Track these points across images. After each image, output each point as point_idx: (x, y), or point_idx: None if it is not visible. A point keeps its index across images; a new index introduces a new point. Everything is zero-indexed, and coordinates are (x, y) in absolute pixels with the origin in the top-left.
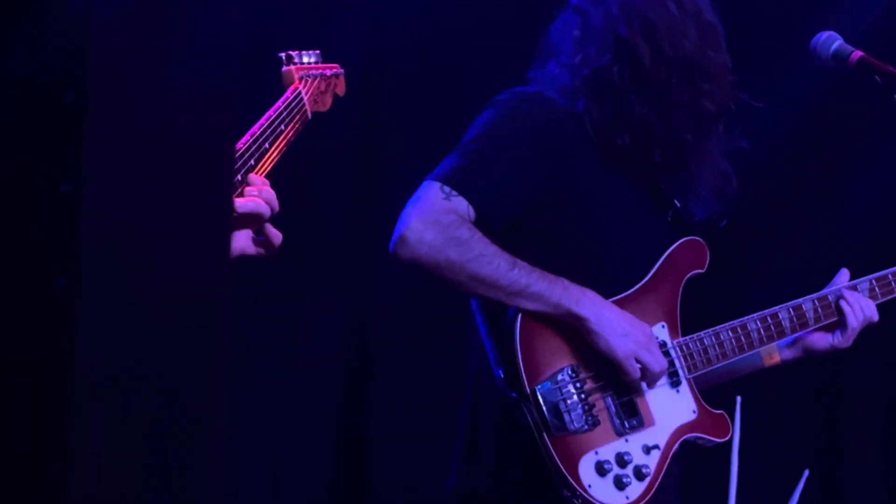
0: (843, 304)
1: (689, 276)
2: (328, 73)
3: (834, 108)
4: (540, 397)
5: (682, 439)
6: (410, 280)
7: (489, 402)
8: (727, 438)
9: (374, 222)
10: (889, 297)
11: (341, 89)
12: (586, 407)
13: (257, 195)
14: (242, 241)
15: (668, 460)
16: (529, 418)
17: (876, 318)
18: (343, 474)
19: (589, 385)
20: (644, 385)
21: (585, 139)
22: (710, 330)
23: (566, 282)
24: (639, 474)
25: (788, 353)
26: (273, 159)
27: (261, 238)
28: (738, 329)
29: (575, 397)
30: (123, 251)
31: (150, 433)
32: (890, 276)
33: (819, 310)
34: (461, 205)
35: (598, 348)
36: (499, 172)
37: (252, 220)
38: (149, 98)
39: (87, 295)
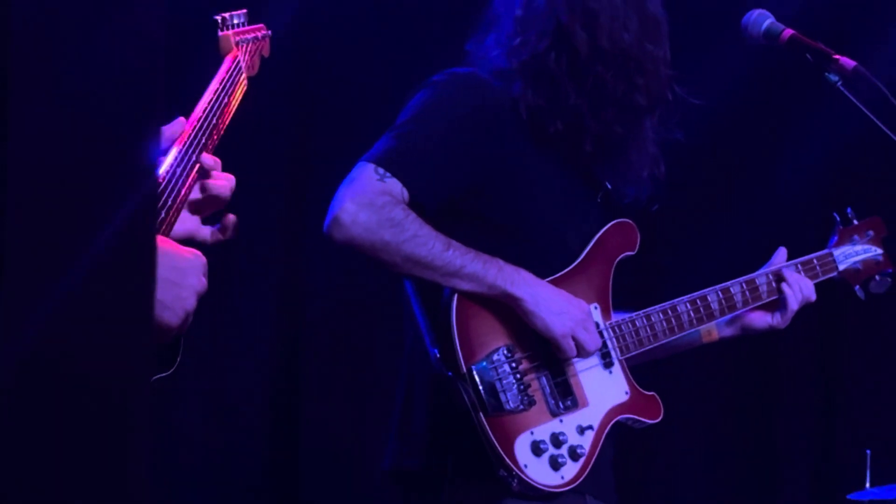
0: (783, 285)
1: (619, 258)
2: (259, 35)
3: (765, 86)
4: (476, 376)
5: (614, 420)
6: (344, 260)
7: (424, 383)
8: (658, 420)
9: (307, 206)
10: (815, 281)
11: (267, 51)
12: (522, 387)
13: (225, 180)
14: (191, 224)
15: (602, 441)
16: (465, 397)
17: (813, 297)
18: (276, 457)
19: (524, 365)
20: (578, 366)
21: (519, 122)
22: (641, 312)
23: (501, 262)
24: (574, 454)
25: (727, 331)
26: (219, 135)
27: (215, 224)
28: (669, 311)
29: (511, 377)
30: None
31: (71, 428)
32: (815, 261)
33: (747, 293)
34: (395, 186)
35: (535, 328)
36: (433, 154)
37: (213, 204)
38: (69, 81)
39: (9, 285)
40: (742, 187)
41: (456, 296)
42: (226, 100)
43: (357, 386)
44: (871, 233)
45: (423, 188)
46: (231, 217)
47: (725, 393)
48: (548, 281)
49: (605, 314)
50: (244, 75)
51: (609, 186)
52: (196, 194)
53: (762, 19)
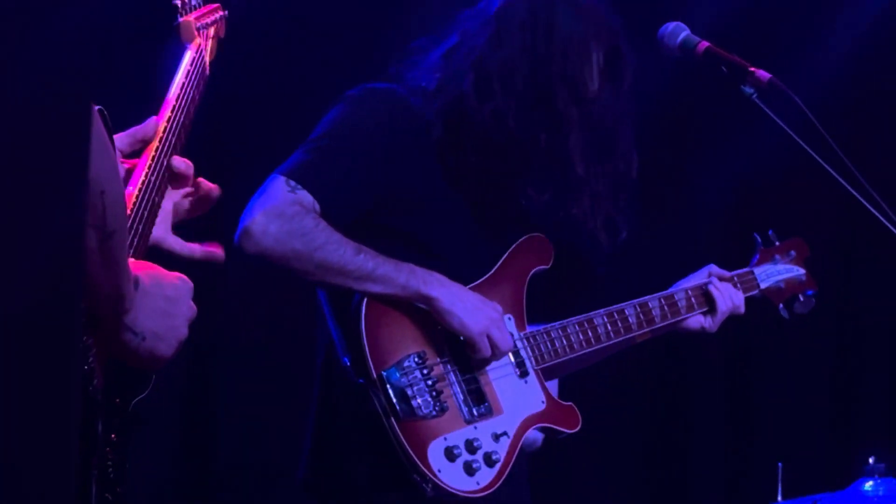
0: (712, 289)
1: (533, 271)
2: (217, 16)
3: (681, 99)
4: (387, 382)
5: (531, 428)
6: (257, 271)
7: (337, 392)
8: (576, 430)
9: (220, 219)
10: None
11: (222, 31)
12: (434, 393)
13: (210, 185)
14: (160, 231)
15: (518, 449)
16: (377, 403)
17: (743, 309)
18: (189, 466)
19: (437, 371)
20: (492, 374)
21: (431, 141)
22: (557, 323)
23: (412, 265)
24: (489, 460)
25: (660, 332)
26: (187, 132)
27: (194, 196)
28: (585, 323)
29: (422, 383)
30: None
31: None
32: (736, 279)
33: (665, 308)
34: (306, 198)
35: (451, 327)
36: (344, 169)
37: (195, 210)
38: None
39: None
40: (664, 201)
41: (365, 301)
42: (192, 93)
43: (272, 395)
44: (793, 253)
45: (334, 201)
46: (208, 184)
47: (640, 405)
48: None
49: (520, 325)
50: (207, 65)
51: (526, 202)
52: (173, 200)
53: (678, 31)
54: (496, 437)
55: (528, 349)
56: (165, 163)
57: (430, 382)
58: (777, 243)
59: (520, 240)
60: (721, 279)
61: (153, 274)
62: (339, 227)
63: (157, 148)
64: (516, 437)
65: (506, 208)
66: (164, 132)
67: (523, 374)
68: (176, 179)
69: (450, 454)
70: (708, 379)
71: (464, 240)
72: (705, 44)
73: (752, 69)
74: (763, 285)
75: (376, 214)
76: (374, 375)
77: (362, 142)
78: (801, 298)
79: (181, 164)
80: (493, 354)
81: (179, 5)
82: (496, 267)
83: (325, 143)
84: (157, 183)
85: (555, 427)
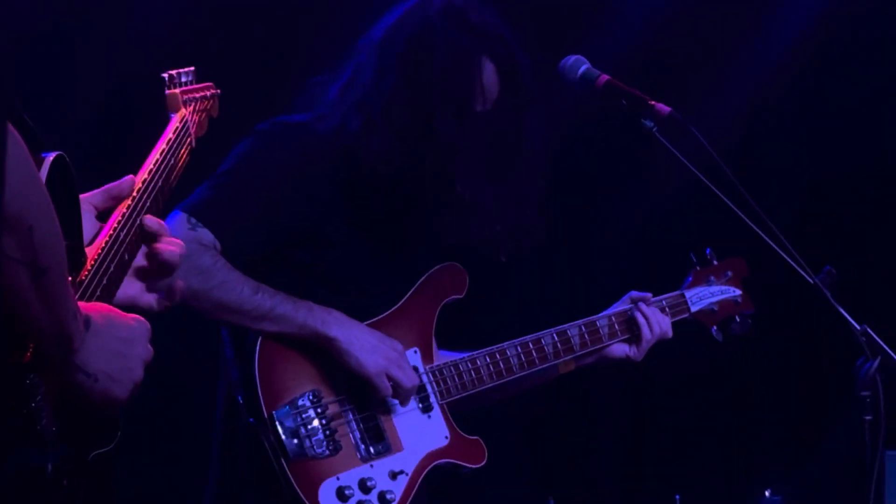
0: (637, 315)
1: (445, 301)
2: (207, 94)
3: (585, 131)
4: (277, 422)
5: (432, 465)
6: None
7: (235, 429)
8: (482, 465)
9: None
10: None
11: (215, 111)
12: (328, 432)
13: (173, 245)
14: (134, 290)
15: (417, 486)
16: (266, 443)
17: (670, 334)
18: None
19: (332, 409)
20: (393, 410)
21: (343, 172)
22: (466, 355)
23: (311, 303)
24: (383, 500)
25: (586, 360)
26: (165, 197)
27: (161, 290)
28: (497, 355)
29: (315, 422)
30: None
31: None
32: (664, 302)
33: (586, 335)
34: (207, 236)
35: (349, 367)
36: (246, 206)
37: (162, 271)
38: None
39: None
40: (595, 224)
41: (260, 339)
42: (172, 161)
43: (173, 435)
44: (729, 273)
45: (234, 239)
46: (179, 283)
47: (542, 442)
48: (366, 324)
49: (427, 358)
50: (192, 136)
51: (442, 232)
52: (141, 260)
53: (578, 65)
54: (393, 476)
55: (434, 383)
56: (138, 221)
57: (324, 421)
58: (714, 262)
59: (431, 270)
60: (646, 303)
61: (106, 314)
62: (244, 263)
63: (130, 206)
64: (415, 475)
65: (415, 239)
66: (139, 192)
67: (426, 409)
68: (149, 239)
69: (341, 494)
70: (606, 412)
71: (374, 274)
72: (605, 77)
73: (652, 102)
74: (694, 308)
75: (283, 249)
76: (266, 415)
77: (267, 179)
78: (738, 319)
79: (153, 223)
80: (395, 393)
81: (167, 79)
82: (403, 300)
83: (229, 179)
84: (126, 239)
85: (458, 462)
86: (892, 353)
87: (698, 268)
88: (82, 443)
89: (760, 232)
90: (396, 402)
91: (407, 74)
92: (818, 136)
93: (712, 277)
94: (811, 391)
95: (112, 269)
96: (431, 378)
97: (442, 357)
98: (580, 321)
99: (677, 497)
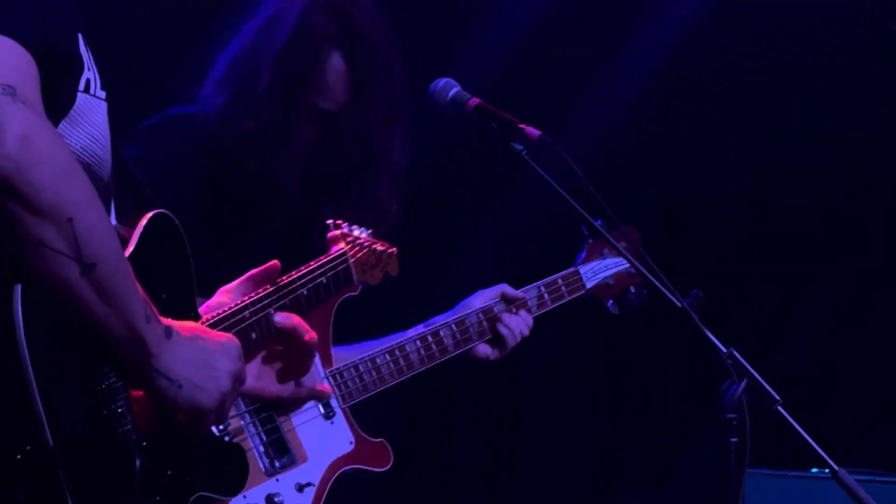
0: (499, 326)
1: (340, 300)
2: (379, 248)
3: (458, 154)
4: None
5: (339, 472)
6: None
7: None
8: (387, 468)
9: None
10: (562, 301)
11: (394, 269)
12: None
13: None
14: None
15: (325, 496)
16: None
17: (528, 332)
18: None
19: (234, 425)
20: (295, 420)
21: (231, 162)
22: (366, 356)
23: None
24: None
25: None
26: (300, 307)
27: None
28: (397, 352)
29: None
30: None
31: None
32: (560, 281)
33: (484, 322)
34: None
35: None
36: None
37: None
38: None
39: None
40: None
41: None
42: (322, 280)
43: None
44: (623, 244)
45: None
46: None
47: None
48: None
49: (326, 361)
50: (352, 271)
51: (332, 224)
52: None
53: (448, 87)
54: (300, 488)
55: (335, 388)
56: (272, 310)
57: (227, 438)
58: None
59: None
60: (513, 301)
61: (194, 327)
62: None
63: (265, 292)
64: (322, 484)
65: (299, 234)
66: (275, 289)
67: (329, 414)
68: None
69: None
70: (468, 436)
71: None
72: (475, 100)
73: (522, 126)
74: (589, 284)
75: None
76: None
77: (151, 174)
78: (633, 291)
79: (283, 319)
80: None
81: (331, 225)
82: None
83: None
84: (251, 319)
85: (364, 467)
86: (758, 376)
87: (590, 241)
88: (197, 481)
89: (627, 255)
90: (299, 410)
91: (259, 38)
92: (683, 161)
93: (606, 250)
94: (675, 413)
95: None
96: (332, 382)
97: (339, 356)
98: (450, 321)
99: None
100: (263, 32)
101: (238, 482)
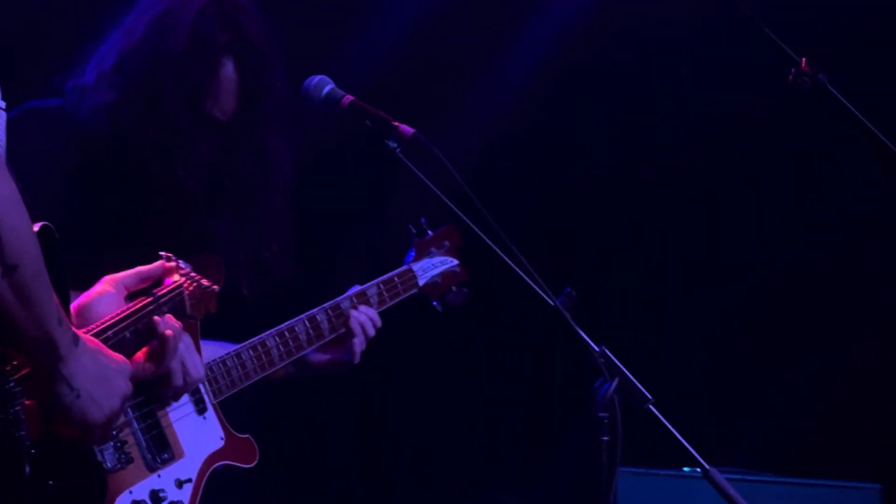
0: (350, 323)
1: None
2: (204, 283)
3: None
4: None
5: (211, 469)
6: None
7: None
8: (253, 464)
9: None
10: (398, 300)
11: (213, 307)
12: (119, 444)
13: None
14: None
15: (202, 491)
16: None
17: (379, 323)
18: None
19: (121, 420)
20: (173, 415)
21: (104, 157)
22: (232, 351)
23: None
24: None
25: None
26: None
27: None
28: (259, 347)
29: None
30: None
31: None
32: (396, 279)
33: (333, 319)
34: None
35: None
36: None
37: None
38: None
39: None
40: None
41: None
42: (152, 307)
43: None
44: (447, 243)
45: None
46: None
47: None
48: None
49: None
50: (186, 302)
51: (165, 257)
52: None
53: (322, 85)
54: (180, 484)
55: (206, 383)
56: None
57: (114, 433)
58: (430, 232)
59: (195, 259)
60: (358, 298)
61: (95, 342)
62: None
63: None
64: (199, 480)
65: (170, 229)
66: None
67: (202, 410)
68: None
69: None
70: (337, 421)
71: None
72: (350, 98)
73: (396, 123)
74: (422, 282)
75: None
76: None
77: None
78: (454, 290)
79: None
80: (184, 385)
81: (164, 257)
82: None
83: None
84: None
85: (233, 463)
86: (630, 375)
87: (418, 240)
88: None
89: (502, 253)
90: (175, 405)
91: (150, 39)
92: (556, 160)
93: (433, 249)
94: (546, 411)
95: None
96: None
97: (209, 351)
98: (325, 305)
99: None
100: (154, 33)
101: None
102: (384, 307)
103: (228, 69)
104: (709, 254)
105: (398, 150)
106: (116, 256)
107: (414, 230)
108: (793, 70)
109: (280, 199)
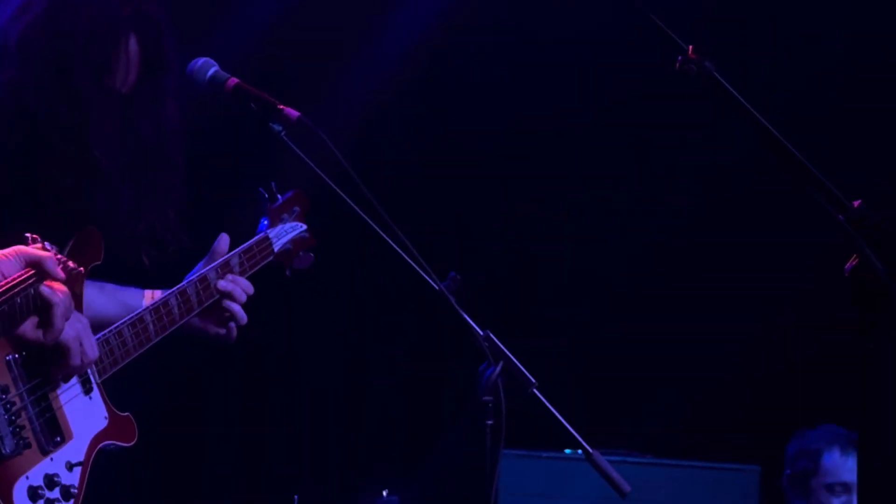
0: (225, 302)
1: (89, 268)
2: (70, 265)
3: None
4: None
5: (97, 449)
6: None
7: None
8: (133, 443)
9: None
10: (257, 268)
11: (80, 289)
12: (15, 429)
13: None
14: None
15: (88, 472)
16: None
17: (242, 294)
18: None
19: (17, 404)
20: (63, 397)
21: (8, 137)
22: (113, 328)
23: None
24: (66, 494)
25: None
26: None
27: None
28: (137, 324)
29: (4, 418)
30: None
31: None
32: (255, 247)
33: (201, 292)
34: None
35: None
36: None
37: None
38: None
39: None
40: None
41: None
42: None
43: None
44: (297, 209)
45: None
46: None
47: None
48: None
49: None
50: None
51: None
52: None
53: (207, 67)
54: (70, 467)
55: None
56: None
57: (12, 417)
58: (280, 197)
59: (71, 240)
60: (222, 268)
61: None
62: None
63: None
64: (86, 462)
65: (53, 198)
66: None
67: (88, 390)
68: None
69: (34, 494)
70: (221, 406)
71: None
72: (234, 80)
73: (281, 107)
74: (276, 249)
75: None
76: None
77: None
78: (301, 255)
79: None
80: (81, 363)
81: (30, 238)
82: None
83: None
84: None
85: (116, 442)
86: (514, 359)
87: (270, 206)
88: None
89: (387, 237)
90: (65, 387)
91: (53, 16)
92: (442, 142)
93: (285, 215)
94: (430, 394)
95: None
96: None
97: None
98: (194, 277)
99: (296, 497)
100: (56, 9)
101: None
102: (245, 276)
103: (132, 42)
104: (580, 232)
105: (283, 134)
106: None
107: (266, 194)
108: (679, 58)
109: (178, 170)
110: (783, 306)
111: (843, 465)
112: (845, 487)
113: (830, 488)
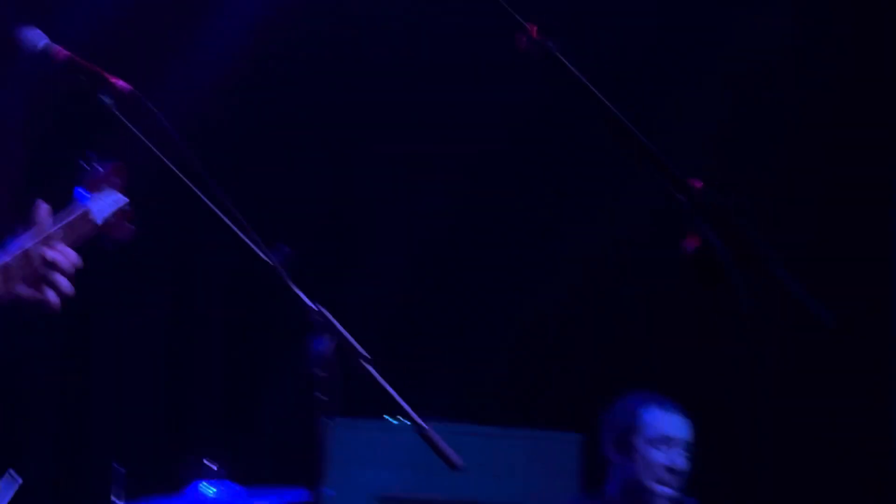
0: (40, 266)
1: None
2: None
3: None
4: None
5: None
6: None
7: None
8: None
9: None
10: (81, 241)
11: None
12: None
13: None
14: None
15: None
16: None
17: (69, 265)
18: None
19: None
20: None
21: None
22: None
23: None
24: None
25: None
26: None
27: None
28: None
29: None
30: None
31: None
32: (78, 221)
33: (25, 266)
34: None
35: None
36: None
37: None
38: None
39: None
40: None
41: None
42: None
43: None
44: (117, 180)
45: None
46: None
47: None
48: None
49: None
50: None
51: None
52: None
53: (38, 38)
54: None
55: None
56: None
57: None
58: (100, 169)
59: None
60: (46, 239)
61: None
62: None
63: None
64: None
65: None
66: None
67: None
68: None
69: None
70: (41, 375)
71: None
72: (66, 53)
73: (113, 80)
74: (99, 221)
75: None
76: None
77: None
78: (122, 226)
79: None
80: None
81: None
82: None
83: None
84: None
85: None
86: (346, 333)
87: (92, 177)
88: None
89: (219, 212)
90: None
91: None
92: (276, 118)
93: (104, 186)
94: (255, 363)
95: None
96: None
97: None
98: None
99: (115, 466)
100: None
101: None
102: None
103: None
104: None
105: (113, 108)
106: None
107: (87, 166)
108: (523, 38)
109: (19, 150)
110: (610, 275)
111: (661, 418)
112: (667, 440)
113: (652, 443)
